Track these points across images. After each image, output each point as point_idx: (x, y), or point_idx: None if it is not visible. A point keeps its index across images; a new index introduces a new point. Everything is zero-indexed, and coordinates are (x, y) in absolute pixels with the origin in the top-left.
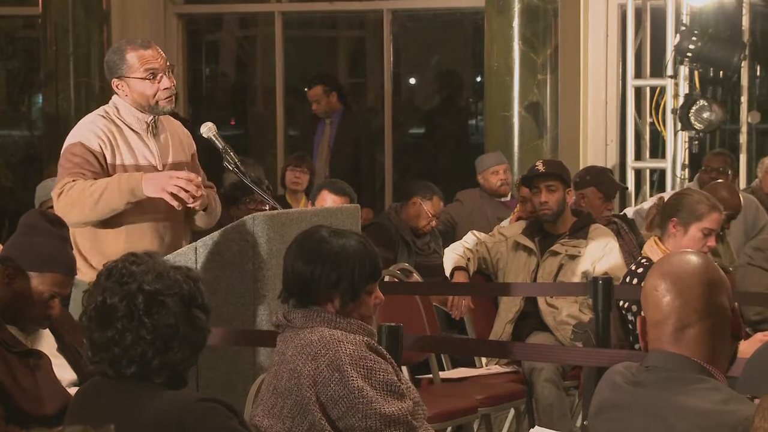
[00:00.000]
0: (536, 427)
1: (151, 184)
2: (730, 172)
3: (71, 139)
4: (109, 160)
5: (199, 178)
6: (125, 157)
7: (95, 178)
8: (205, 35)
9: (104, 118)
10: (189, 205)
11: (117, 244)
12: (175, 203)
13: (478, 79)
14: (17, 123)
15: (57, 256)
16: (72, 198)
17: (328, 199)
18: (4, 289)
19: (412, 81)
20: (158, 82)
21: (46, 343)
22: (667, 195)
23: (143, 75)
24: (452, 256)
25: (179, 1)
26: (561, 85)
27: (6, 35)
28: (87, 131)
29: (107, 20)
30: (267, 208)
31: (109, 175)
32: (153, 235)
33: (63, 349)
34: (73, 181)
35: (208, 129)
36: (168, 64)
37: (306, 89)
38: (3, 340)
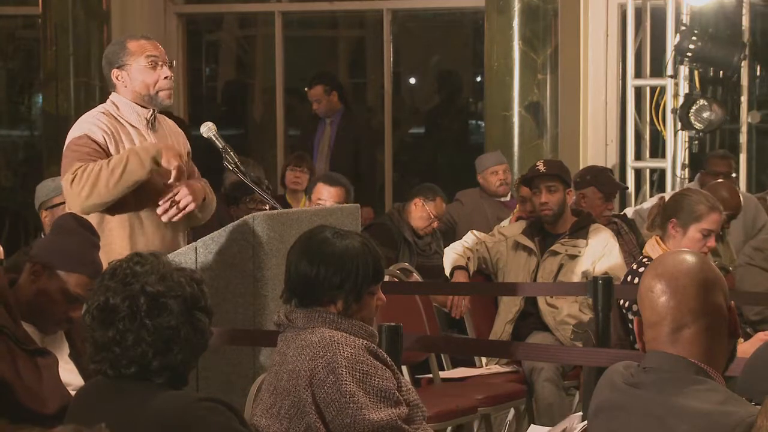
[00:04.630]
0: (532, 426)
1: (167, 149)
2: (734, 176)
3: (75, 132)
4: (113, 154)
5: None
6: None
7: None
8: (205, 35)
9: (105, 114)
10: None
11: (121, 241)
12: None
13: (478, 79)
14: (17, 123)
15: (85, 258)
16: (89, 179)
17: (324, 192)
18: (28, 285)
19: (412, 81)
20: (159, 70)
21: (59, 347)
22: (668, 194)
23: (144, 62)
24: (452, 255)
25: (179, 1)
26: (561, 85)
27: (6, 35)
28: (91, 125)
29: (107, 20)
30: (267, 208)
31: None
32: (155, 232)
33: (74, 355)
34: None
35: (208, 129)
36: (166, 57)
37: (306, 89)
38: (15, 337)
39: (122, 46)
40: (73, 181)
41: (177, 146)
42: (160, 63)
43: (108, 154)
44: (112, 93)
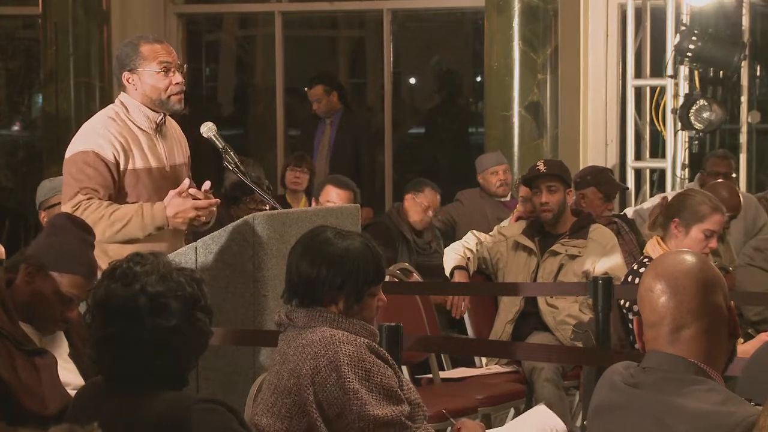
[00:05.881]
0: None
1: (174, 218)
2: (734, 176)
3: (84, 145)
4: (122, 166)
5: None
6: (137, 160)
7: (107, 193)
8: (205, 35)
9: (115, 121)
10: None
11: (122, 248)
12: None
13: (478, 79)
14: (17, 123)
15: (79, 258)
16: (89, 222)
17: (333, 194)
18: (24, 286)
19: (412, 81)
20: (171, 76)
21: (59, 346)
22: (670, 194)
23: (157, 68)
24: (452, 255)
25: (179, 1)
26: (561, 85)
27: (6, 35)
28: (101, 139)
29: (107, 20)
30: (267, 208)
31: (120, 182)
32: (159, 236)
33: (74, 355)
34: (89, 199)
35: (208, 129)
36: (178, 62)
37: (306, 89)
38: (14, 337)
39: (135, 49)
40: (73, 213)
41: (182, 152)
42: (172, 69)
43: (116, 169)
44: (122, 93)
